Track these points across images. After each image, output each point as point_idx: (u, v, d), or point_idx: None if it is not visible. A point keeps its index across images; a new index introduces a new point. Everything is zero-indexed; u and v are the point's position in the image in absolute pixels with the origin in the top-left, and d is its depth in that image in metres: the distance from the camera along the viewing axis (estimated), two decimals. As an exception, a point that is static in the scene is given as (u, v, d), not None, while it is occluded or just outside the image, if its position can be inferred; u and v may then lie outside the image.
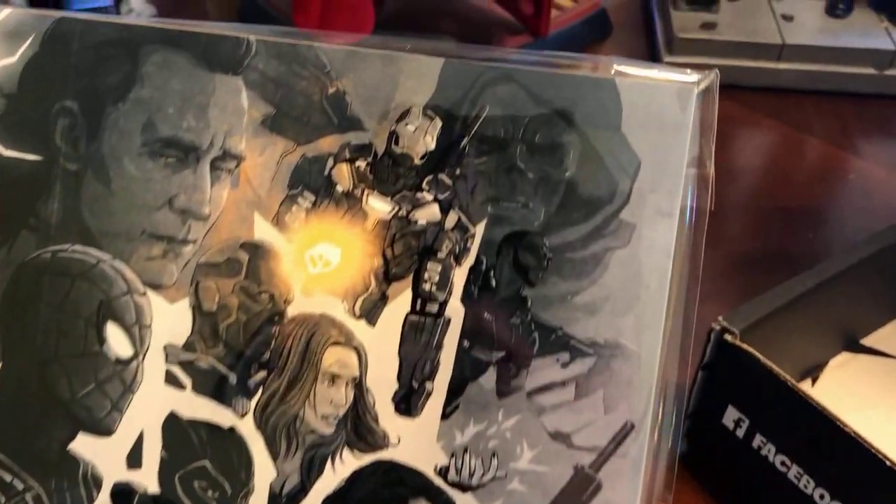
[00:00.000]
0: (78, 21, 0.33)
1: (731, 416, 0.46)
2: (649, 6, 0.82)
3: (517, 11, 0.77)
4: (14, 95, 0.33)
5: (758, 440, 0.45)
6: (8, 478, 0.32)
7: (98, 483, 0.32)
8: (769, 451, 0.44)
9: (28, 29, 0.33)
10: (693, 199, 0.31)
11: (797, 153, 0.70)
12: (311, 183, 0.32)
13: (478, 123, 0.32)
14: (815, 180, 0.67)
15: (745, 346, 0.43)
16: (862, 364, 0.54)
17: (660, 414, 0.31)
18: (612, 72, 0.31)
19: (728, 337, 0.44)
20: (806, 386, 0.52)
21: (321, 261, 0.32)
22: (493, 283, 0.32)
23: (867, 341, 0.55)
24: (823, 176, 0.68)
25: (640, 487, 0.30)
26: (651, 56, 0.78)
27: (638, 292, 0.31)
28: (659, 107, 0.31)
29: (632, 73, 0.31)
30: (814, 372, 0.53)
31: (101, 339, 0.33)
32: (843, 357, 0.54)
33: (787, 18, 0.75)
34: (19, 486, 0.32)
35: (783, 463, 0.43)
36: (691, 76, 0.31)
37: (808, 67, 0.73)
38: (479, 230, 0.32)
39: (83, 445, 0.33)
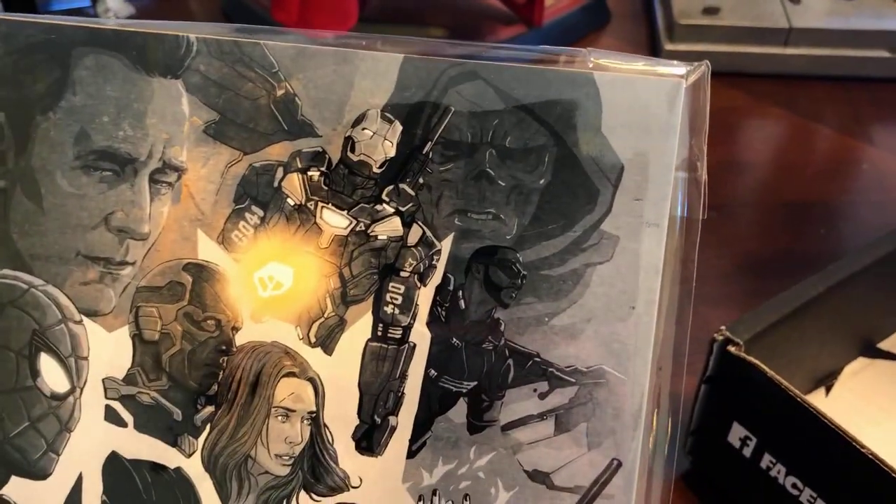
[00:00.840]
0: (1, 22, 0.30)
1: (736, 433, 0.43)
2: (649, -9, 0.79)
3: (509, 0, 0.74)
4: (-65, 107, 0.30)
5: (766, 460, 0.42)
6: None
7: (35, 531, 0.30)
8: (779, 472, 0.41)
9: (-51, 33, 0.30)
10: (684, 206, 0.28)
11: (806, 144, 0.67)
12: (259, 196, 0.29)
13: (442, 126, 0.29)
14: (827, 173, 0.64)
15: (750, 357, 0.41)
16: (879, 369, 0.51)
17: (651, 448, 0.28)
18: (590, 65, 0.28)
19: (732, 348, 0.41)
20: (819, 395, 0.49)
21: (272, 283, 0.29)
22: (462, 304, 0.29)
23: (885, 345, 0.52)
24: (835, 167, 0.65)
25: (628, 531, 0.27)
26: (651, 44, 0.74)
27: (623, 313, 0.28)
28: (643, 104, 0.28)
29: (612, 67, 0.28)
30: (828, 380, 0.50)
31: (35, 373, 0.30)
32: (860, 363, 0.51)
33: (794, 1, 0.72)
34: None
35: (794, 486, 0.41)
36: (679, 69, 0.28)
37: (816, 52, 0.70)
38: (446, 245, 0.29)
39: (17, 490, 0.30)
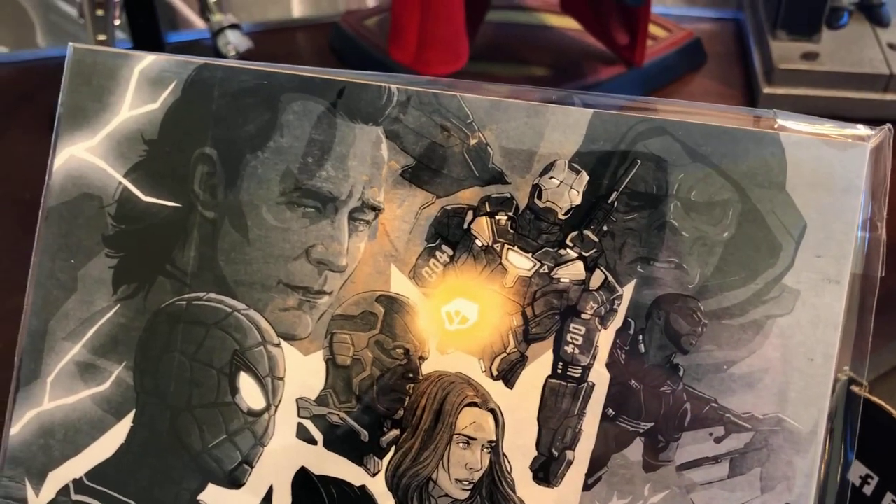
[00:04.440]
0: (218, 68, 0.31)
1: (857, 471, 0.41)
2: (745, 36, 0.77)
3: (611, 41, 0.73)
4: (155, 142, 0.31)
5: (888, 500, 0.40)
6: (138, 524, 0.30)
7: (227, 535, 0.30)
8: (902, 513, 0.39)
9: (170, 76, 0.31)
10: (861, 264, 0.27)
11: (906, 189, 0.64)
12: (449, 236, 0.29)
13: (628, 178, 0.28)
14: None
15: (874, 398, 0.39)
16: None
17: (823, 496, 0.27)
18: (776, 125, 0.27)
19: (855, 388, 0.40)
20: (932, 439, 0.47)
21: (458, 317, 0.29)
22: (642, 348, 0.28)
23: None
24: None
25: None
26: (747, 86, 0.73)
27: (801, 364, 0.27)
28: (828, 165, 0.27)
29: (797, 128, 0.27)
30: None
31: (234, 390, 0.30)
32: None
33: (895, 48, 0.70)
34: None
35: (918, 528, 0.39)
36: (862, 131, 0.27)
37: (917, 99, 0.67)
38: (627, 291, 0.28)
39: (212, 497, 0.30)
